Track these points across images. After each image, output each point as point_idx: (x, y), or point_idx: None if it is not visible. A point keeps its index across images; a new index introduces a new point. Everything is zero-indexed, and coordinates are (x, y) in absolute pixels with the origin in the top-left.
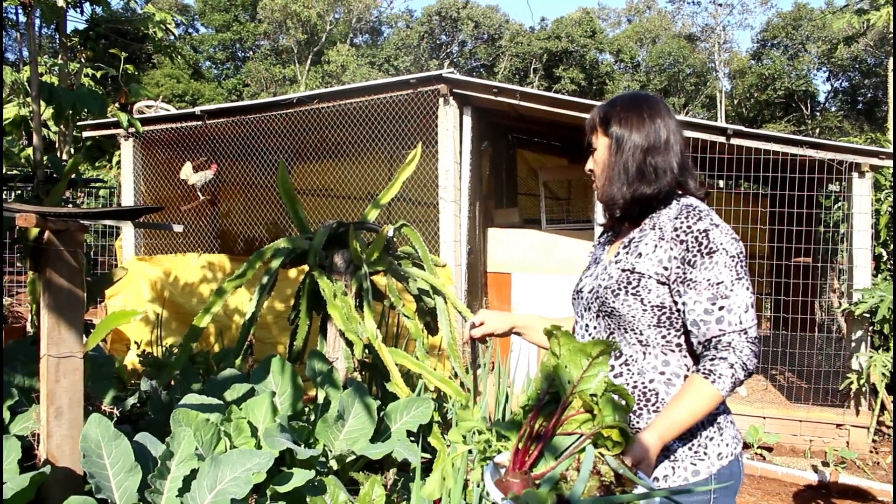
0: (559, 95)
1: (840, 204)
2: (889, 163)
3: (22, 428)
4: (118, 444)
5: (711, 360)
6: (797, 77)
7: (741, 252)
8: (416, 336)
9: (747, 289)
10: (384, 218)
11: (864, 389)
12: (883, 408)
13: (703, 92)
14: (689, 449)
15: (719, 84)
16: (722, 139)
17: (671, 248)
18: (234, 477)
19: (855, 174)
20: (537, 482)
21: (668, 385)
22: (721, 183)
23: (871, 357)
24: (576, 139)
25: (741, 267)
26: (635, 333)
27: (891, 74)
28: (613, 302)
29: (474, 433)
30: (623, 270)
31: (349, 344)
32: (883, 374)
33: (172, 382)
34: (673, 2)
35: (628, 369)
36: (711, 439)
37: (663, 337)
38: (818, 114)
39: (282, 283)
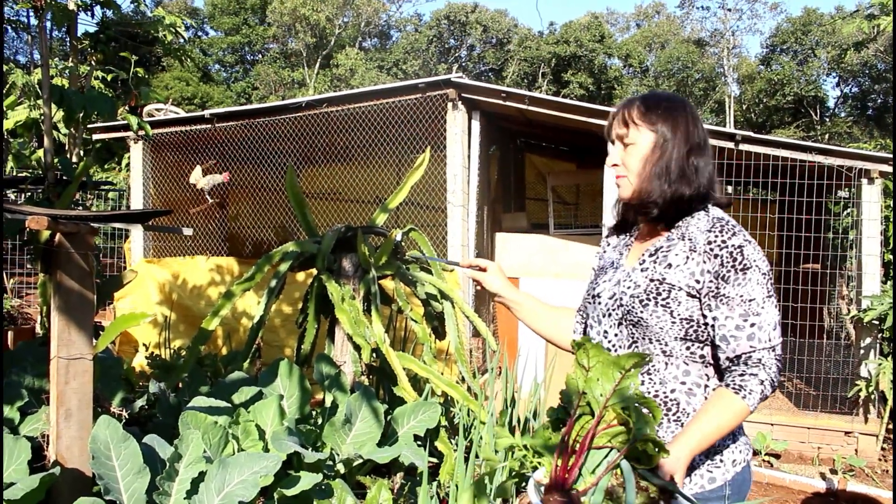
0: (568, 100)
1: (849, 210)
2: None
3: (31, 429)
4: (127, 445)
5: (741, 375)
6: (806, 82)
7: (770, 269)
8: (423, 340)
9: (775, 306)
10: (392, 222)
11: (872, 397)
12: (892, 415)
13: (711, 97)
14: (706, 456)
15: (728, 89)
16: (731, 145)
17: (704, 262)
18: (241, 479)
19: (864, 180)
20: (582, 499)
21: (690, 395)
22: (729, 188)
23: (880, 364)
24: (584, 144)
25: (770, 284)
26: (660, 344)
27: (893, 84)
28: (642, 312)
29: (510, 451)
30: (651, 280)
31: (357, 348)
32: (892, 381)
33: (180, 385)
34: (682, 6)
35: (650, 378)
36: (727, 447)
37: (688, 349)
38: (827, 119)
39: (289, 287)
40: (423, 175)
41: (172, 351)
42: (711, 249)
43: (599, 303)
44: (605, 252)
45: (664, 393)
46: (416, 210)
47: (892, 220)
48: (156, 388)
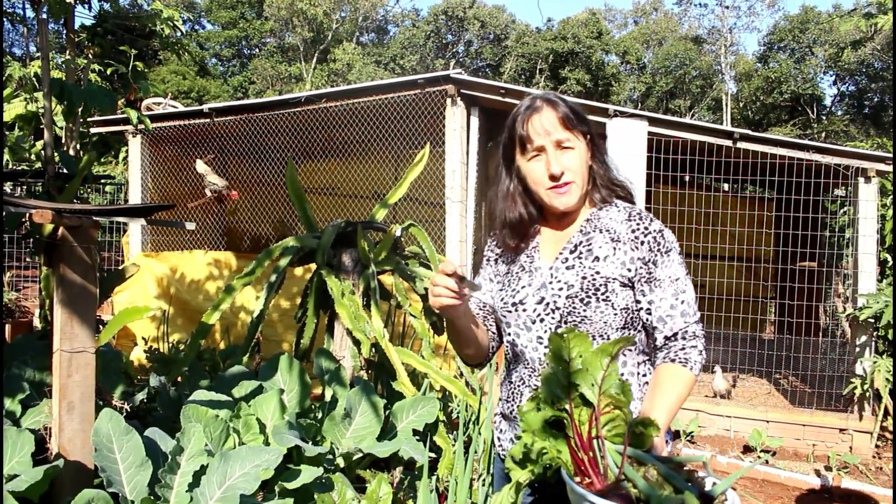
0: (565, 97)
1: (846, 209)
2: None
3: (33, 421)
4: (129, 438)
5: (682, 349)
6: (803, 80)
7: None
8: (422, 335)
9: (691, 282)
10: (390, 217)
11: (867, 394)
12: (886, 413)
13: (708, 94)
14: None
15: (725, 87)
16: (728, 143)
17: (633, 250)
18: (243, 473)
19: (861, 179)
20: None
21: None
22: (726, 186)
23: (875, 362)
24: None
25: (685, 262)
26: (602, 338)
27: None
28: (585, 310)
29: (539, 453)
30: (584, 277)
31: (356, 342)
32: (887, 379)
33: (180, 378)
34: (679, 4)
35: None
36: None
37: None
38: (824, 118)
39: (288, 281)
40: (421, 171)
41: (171, 345)
42: (637, 238)
43: (524, 310)
44: (495, 260)
45: None
46: (415, 206)
47: (890, 218)
48: (156, 381)
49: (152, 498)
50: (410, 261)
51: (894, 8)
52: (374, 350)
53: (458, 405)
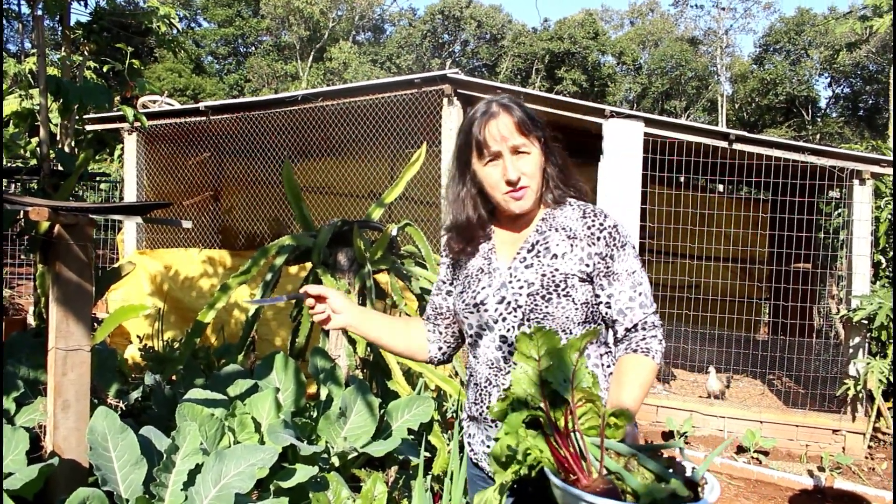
0: (562, 98)
1: (840, 211)
2: (890, 170)
3: (28, 419)
4: (124, 437)
5: (643, 339)
6: (799, 82)
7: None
8: None
9: (646, 273)
10: (387, 217)
11: (860, 396)
12: (879, 414)
13: (704, 96)
14: None
15: (721, 88)
16: (724, 144)
17: (590, 246)
18: (238, 472)
19: (856, 181)
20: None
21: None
22: (721, 188)
23: (868, 363)
24: (577, 140)
25: (638, 255)
26: (565, 334)
27: (892, 82)
28: (547, 307)
29: (524, 453)
30: (543, 275)
31: (351, 342)
32: (880, 380)
33: (175, 377)
34: (676, 5)
35: None
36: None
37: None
38: (819, 120)
39: (282, 280)
40: (418, 170)
41: (165, 343)
42: (593, 234)
43: (486, 310)
44: (453, 265)
45: None
46: (411, 205)
47: (885, 220)
48: (151, 380)
49: (147, 496)
50: (406, 260)
51: (894, 9)
52: (369, 349)
53: (453, 404)
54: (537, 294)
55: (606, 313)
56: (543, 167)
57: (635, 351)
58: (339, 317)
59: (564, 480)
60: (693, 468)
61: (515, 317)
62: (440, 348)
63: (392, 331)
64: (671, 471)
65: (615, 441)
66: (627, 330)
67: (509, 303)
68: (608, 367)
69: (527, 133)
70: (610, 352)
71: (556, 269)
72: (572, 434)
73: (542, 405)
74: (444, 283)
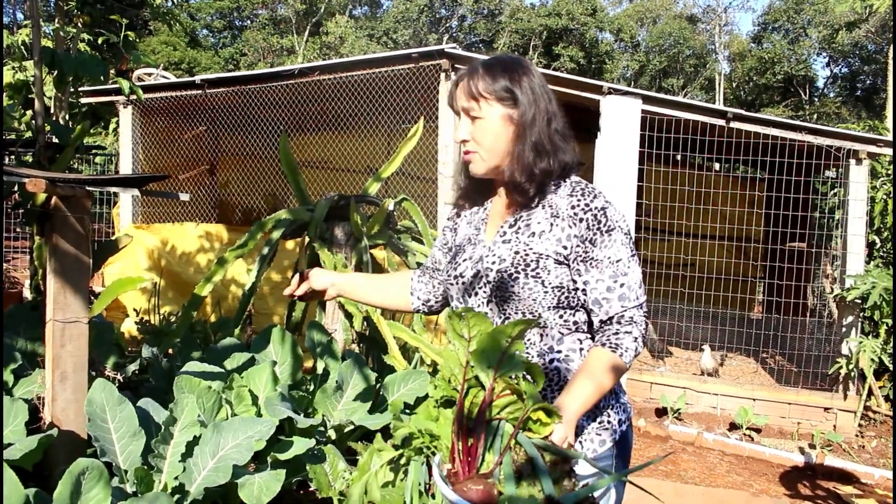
0: (559, 73)
1: (836, 190)
2: (887, 150)
3: (26, 391)
4: (122, 409)
5: (615, 334)
6: (797, 62)
7: (630, 229)
8: None
9: (638, 264)
10: (383, 192)
11: (852, 374)
12: (870, 393)
13: (702, 74)
14: (593, 419)
15: (719, 66)
16: (722, 122)
17: (570, 227)
18: (236, 443)
19: (852, 161)
20: (493, 480)
21: (567, 362)
22: (717, 166)
23: (860, 343)
24: (575, 117)
25: (632, 243)
26: (533, 316)
27: (891, 63)
28: (512, 286)
29: (413, 436)
30: (517, 252)
31: (348, 316)
32: (871, 359)
33: (172, 350)
34: None
35: (527, 352)
36: (612, 407)
37: (561, 317)
38: (816, 99)
39: (279, 255)
40: (414, 145)
41: (162, 317)
42: (576, 214)
43: (463, 282)
44: (455, 229)
45: (543, 365)
46: (407, 180)
47: (880, 200)
48: (148, 353)
49: (146, 467)
50: (403, 235)
51: None
52: (365, 324)
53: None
54: (505, 272)
55: (584, 300)
56: (514, 139)
57: (604, 345)
58: (322, 278)
59: (448, 471)
60: (585, 484)
61: (485, 292)
62: (427, 301)
63: (378, 289)
64: (567, 479)
65: (535, 438)
66: (602, 322)
67: (482, 277)
68: (583, 352)
69: (476, 98)
70: (592, 339)
71: (530, 248)
72: (479, 424)
73: (458, 388)
74: (446, 241)
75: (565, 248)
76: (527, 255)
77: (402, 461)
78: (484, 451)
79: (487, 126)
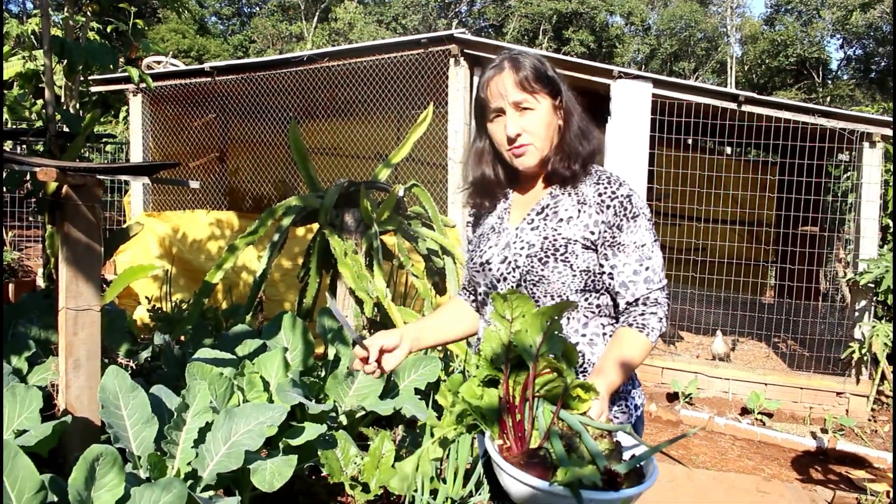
0: (570, 58)
1: (849, 174)
2: None
3: (40, 379)
4: (135, 395)
5: (642, 315)
6: (810, 44)
7: (651, 215)
8: (424, 295)
9: (659, 249)
10: (393, 178)
11: (865, 359)
12: (883, 377)
13: (713, 57)
14: (614, 402)
15: (730, 49)
16: (734, 106)
17: (598, 213)
18: (248, 429)
19: (866, 144)
20: (545, 455)
21: (592, 345)
22: (728, 150)
23: (873, 327)
24: (586, 103)
25: (654, 228)
26: (562, 299)
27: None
28: (542, 270)
29: (466, 413)
30: (546, 238)
31: (359, 302)
32: (885, 343)
33: (184, 337)
34: None
35: None
36: (629, 392)
37: (586, 300)
38: (830, 82)
39: (289, 241)
40: (424, 131)
41: (174, 304)
42: (603, 201)
43: (490, 269)
44: (479, 220)
45: None
46: (417, 166)
47: (891, 184)
48: (160, 340)
49: (159, 454)
50: (413, 221)
51: None
52: (376, 310)
53: (460, 365)
54: (535, 256)
55: (610, 284)
56: (559, 129)
57: (631, 325)
58: (397, 353)
59: (501, 447)
60: (632, 455)
61: (514, 278)
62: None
63: (445, 328)
64: (616, 452)
65: (575, 414)
66: (628, 304)
67: (510, 263)
68: (606, 336)
69: (530, 90)
70: (614, 323)
71: (559, 234)
72: (525, 401)
73: (503, 367)
74: (472, 247)
75: (593, 233)
76: (556, 240)
77: (452, 437)
78: (531, 427)
79: (541, 117)
